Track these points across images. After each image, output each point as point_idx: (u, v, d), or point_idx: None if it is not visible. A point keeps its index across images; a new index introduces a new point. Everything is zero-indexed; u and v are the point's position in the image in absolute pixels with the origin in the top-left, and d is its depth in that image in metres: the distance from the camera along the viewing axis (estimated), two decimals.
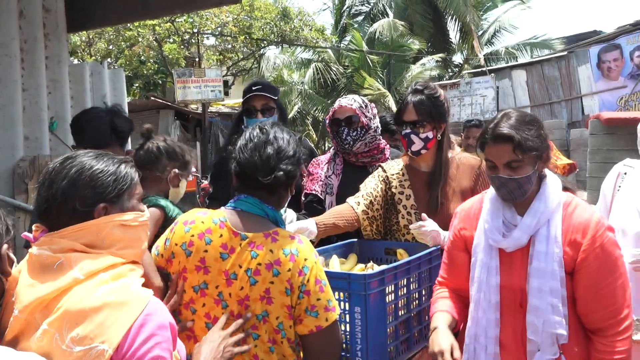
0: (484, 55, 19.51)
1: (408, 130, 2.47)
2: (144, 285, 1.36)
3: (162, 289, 1.71)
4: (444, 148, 2.53)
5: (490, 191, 1.95)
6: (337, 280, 1.96)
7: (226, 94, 23.65)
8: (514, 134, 1.74)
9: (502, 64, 17.93)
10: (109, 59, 17.64)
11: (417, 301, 2.22)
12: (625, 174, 2.56)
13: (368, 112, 2.89)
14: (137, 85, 20.82)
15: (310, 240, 2.32)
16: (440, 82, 17.27)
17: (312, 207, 2.86)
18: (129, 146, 3.40)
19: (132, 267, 1.37)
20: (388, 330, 2.02)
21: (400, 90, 18.27)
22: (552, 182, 1.86)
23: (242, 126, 2.92)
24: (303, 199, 2.94)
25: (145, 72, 18.30)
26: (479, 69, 17.03)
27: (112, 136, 2.35)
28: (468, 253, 1.99)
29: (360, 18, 22.36)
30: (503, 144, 1.76)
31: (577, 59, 14.14)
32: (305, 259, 1.63)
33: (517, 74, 15.61)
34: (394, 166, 2.65)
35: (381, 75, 18.16)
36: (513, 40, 28.90)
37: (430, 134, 2.46)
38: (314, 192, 2.89)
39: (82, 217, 1.32)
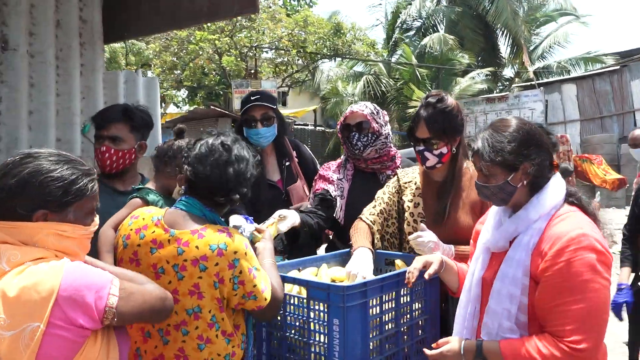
0: (535, 70, 18.79)
1: (422, 148, 2.30)
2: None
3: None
4: (458, 159, 2.36)
5: None
6: (317, 290, 1.83)
7: (284, 103, 24.02)
8: (475, 144, 1.73)
9: (553, 79, 17.15)
10: (176, 71, 18.28)
11: (408, 315, 2.04)
12: None
13: (379, 118, 2.74)
14: (200, 95, 21.48)
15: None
16: (488, 96, 16.71)
17: (325, 205, 2.70)
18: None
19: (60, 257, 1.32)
20: (371, 344, 1.85)
21: None
22: (549, 194, 1.71)
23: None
24: (312, 197, 2.81)
25: (207, 83, 18.83)
26: (529, 83, 16.34)
27: (124, 117, 2.29)
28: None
29: (411, 33, 22.09)
30: (475, 155, 1.75)
31: (631, 73, 13.28)
32: (235, 252, 1.62)
33: (567, 88, 14.86)
34: (410, 174, 2.50)
35: (430, 88, 17.78)
36: (566, 55, 27.70)
37: (444, 149, 2.29)
38: (324, 190, 2.74)
39: (22, 217, 1.28)
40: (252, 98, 2.82)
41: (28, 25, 3.03)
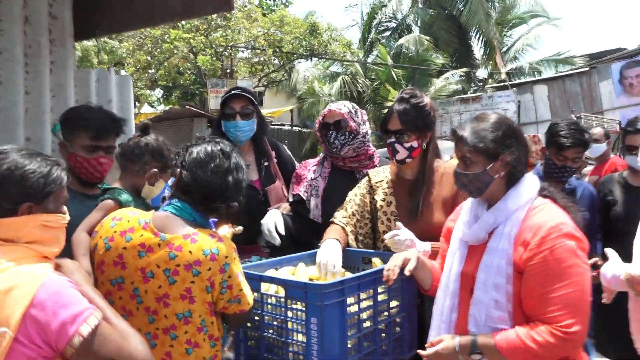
0: (508, 71, 19.10)
1: (393, 140, 2.35)
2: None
3: (89, 272, 1.68)
4: (428, 157, 2.40)
5: None
6: (294, 289, 1.82)
7: (260, 103, 23.88)
8: (460, 131, 1.78)
9: (526, 79, 17.47)
10: (150, 70, 17.99)
11: (386, 312, 2.04)
12: None
13: (357, 117, 2.75)
14: (175, 94, 21.19)
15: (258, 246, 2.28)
16: (463, 96, 16.93)
17: (297, 209, 2.73)
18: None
19: (41, 259, 1.34)
20: (349, 342, 1.85)
21: None
22: (526, 187, 1.79)
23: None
24: (289, 199, 2.81)
25: (182, 82, 18.59)
26: (502, 84, 16.61)
27: (116, 127, 2.22)
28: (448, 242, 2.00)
29: (387, 33, 22.20)
30: (458, 139, 1.80)
31: (599, 74, 13.61)
32: (226, 257, 1.64)
33: (538, 89, 15.14)
34: (380, 173, 2.52)
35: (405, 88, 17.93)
36: (537, 56, 28.27)
37: (415, 143, 2.33)
38: (297, 195, 2.76)
39: (6, 212, 1.30)
40: (233, 92, 2.81)
41: None
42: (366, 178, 2.54)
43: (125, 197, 2.06)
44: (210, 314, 1.66)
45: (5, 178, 1.30)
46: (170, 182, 2.30)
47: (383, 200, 2.42)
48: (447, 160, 2.63)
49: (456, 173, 1.83)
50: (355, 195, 2.51)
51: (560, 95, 14.72)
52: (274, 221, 2.50)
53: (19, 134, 3.02)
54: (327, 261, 2.14)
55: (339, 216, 2.47)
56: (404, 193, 2.41)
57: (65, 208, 1.43)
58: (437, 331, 1.87)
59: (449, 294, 1.85)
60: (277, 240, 2.48)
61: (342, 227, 2.41)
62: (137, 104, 22.93)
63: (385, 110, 2.71)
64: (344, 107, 2.74)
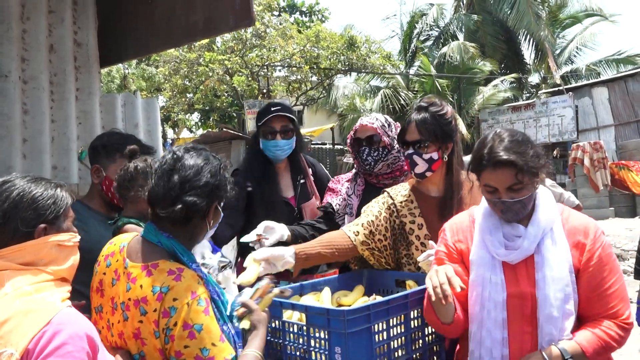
0: (563, 74, 18.56)
1: (411, 151, 2.24)
2: None
3: None
4: (453, 170, 2.28)
5: (481, 207, 1.92)
6: (316, 315, 1.75)
7: (300, 122, 24.12)
8: (515, 159, 1.70)
9: (583, 82, 16.88)
10: (187, 94, 18.57)
11: (420, 340, 1.94)
12: None
13: (391, 131, 2.68)
14: (213, 118, 21.73)
15: (288, 270, 2.15)
16: (514, 104, 16.52)
17: (327, 218, 2.66)
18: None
19: (60, 283, 1.41)
20: None
21: (471, 114, 17.67)
22: (544, 192, 1.88)
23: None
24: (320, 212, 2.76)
25: (219, 105, 19.05)
26: (556, 88, 16.10)
27: (115, 147, 2.32)
28: (464, 265, 1.90)
29: (429, 43, 22.08)
30: (504, 169, 1.71)
31: None
32: (175, 299, 1.41)
33: (598, 92, 14.60)
34: (401, 191, 2.38)
35: (451, 99, 17.66)
36: (595, 57, 27.32)
37: (435, 155, 2.23)
38: (327, 203, 2.69)
39: (23, 237, 1.40)
40: (272, 109, 2.81)
41: (20, 51, 3.07)
42: (385, 195, 2.39)
43: (134, 221, 2.08)
44: None
45: (19, 203, 1.41)
46: None
47: (412, 222, 2.29)
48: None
49: (509, 205, 1.74)
50: (373, 208, 2.35)
51: (622, 97, 14.12)
52: (265, 226, 2.36)
53: (45, 162, 3.13)
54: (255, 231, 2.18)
55: (351, 225, 2.32)
56: (432, 213, 2.28)
57: (74, 227, 1.52)
58: None
59: (498, 327, 1.75)
60: (250, 238, 2.28)
61: (348, 236, 2.26)
62: (176, 129, 23.68)
63: None
64: (376, 120, 2.67)
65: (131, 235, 1.66)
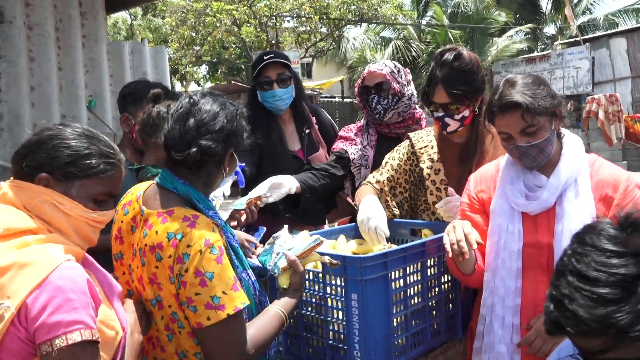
0: (580, 25, 17.96)
1: (441, 114, 2.16)
2: None
3: None
4: (480, 119, 2.21)
5: (507, 156, 1.85)
6: None
7: (309, 75, 23.73)
8: (520, 99, 1.64)
9: (600, 33, 16.36)
10: (195, 46, 18.26)
11: (436, 288, 1.93)
12: None
13: (401, 77, 2.59)
14: (221, 70, 21.46)
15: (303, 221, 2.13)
16: (528, 55, 16.09)
17: (342, 164, 2.61)
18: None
19: (61, 238, 1.29)
20: (395, 320, 1.76)
21: (484, 66, 17.28)
22: (573, 140, 1.80)
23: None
24: (327, 157, 2.73)
25: (227, 57, 18.75)
26: (573, 39, 15.62)
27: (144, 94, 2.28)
28: (486, 214, 1.87)
29: None
30: (512, 112, 1.67)
31: None
32: (188, 246, 1.40)
33: (616, 43, 14.14)
34: (424, 137, 2.35)
35: None
36: (614, 6, 26.40)
37: (466, 112, 2.15)
38: (342, 149, 2.63)
39: (25, 177, 1.31)
40: (265, 57, 2.69)
41: None
42: (407, 142, 2.38)
43: (154, 172, 2.04)
44: (180, 307, 1.45)
45: (42, 143, 1.32)
46: None
47: (430, 168, 2.27)
48: None
49: (524, 150, 1.69)
50: (393, 160, 2.36)
51: None
52: (272, 182, 2.32)
53: (54, 111, 3.09)
54: (376, 226, 2.04)
55: (372, 179, 2.35)
56: (452, 159, 2.25)
57: (96, 207, 1.35)
58: (500, 322, 1.76)
59: (512, 275, 1.74)
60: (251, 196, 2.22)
61: (374, 187, 2.30)
62: (184, 82, 23.46)
63: None
64: (385, 67, 2.58)
65: (148, 183, 1.64)
